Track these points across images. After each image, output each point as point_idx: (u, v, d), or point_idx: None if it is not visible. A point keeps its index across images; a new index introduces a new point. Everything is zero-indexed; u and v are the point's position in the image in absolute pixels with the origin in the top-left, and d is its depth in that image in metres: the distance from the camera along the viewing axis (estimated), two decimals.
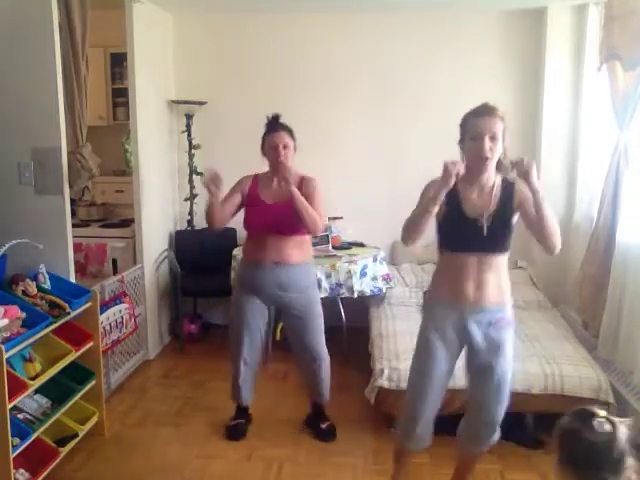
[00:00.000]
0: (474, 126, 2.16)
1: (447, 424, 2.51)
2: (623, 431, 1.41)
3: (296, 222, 2.84)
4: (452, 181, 2.10)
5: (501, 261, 2.26)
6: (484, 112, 2.17)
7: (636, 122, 3.39)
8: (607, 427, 1.41)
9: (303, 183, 2.94)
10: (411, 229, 2.23)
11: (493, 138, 2.14)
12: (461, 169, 2.11)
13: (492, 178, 2.24)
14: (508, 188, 2.24)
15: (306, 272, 3.02)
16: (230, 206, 2.96)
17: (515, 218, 2.25)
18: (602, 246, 3.52)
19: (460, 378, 2.48)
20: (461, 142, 2.24)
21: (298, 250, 2.94)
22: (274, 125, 2.92)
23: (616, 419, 1.43)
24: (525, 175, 2.08)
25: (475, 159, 2.17)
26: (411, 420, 2.38)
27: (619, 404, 3.03)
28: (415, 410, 2.36)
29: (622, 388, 3.21)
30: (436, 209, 2.15)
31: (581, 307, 3.79)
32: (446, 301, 2.29)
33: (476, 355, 2.30)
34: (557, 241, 2.17)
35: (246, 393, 3.17)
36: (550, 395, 2.97)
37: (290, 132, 2.92)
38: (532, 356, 3.15)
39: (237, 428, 3.18)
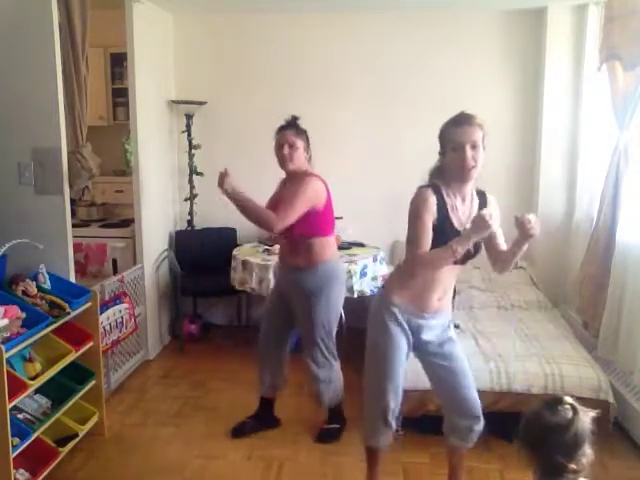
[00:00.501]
0: (454, 136, 2.15)
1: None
2: (584, 420, 1.48)
3: (295, 225, 2.82)
4: (487, 232, 2.07)
5: (462, 269, 2.34)
6: (462, 121, 2.16)
7: (636, 122, 3.39)
8: (568, 413, 1.48)
9: (296, 179, 2.89)
10: (431, 267, 2.21)
11: (474, 146, 2.13)
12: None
13: (472, 188, 2.26)
14: (482, 198, 2.29)
15: (312, 275, 2.94)
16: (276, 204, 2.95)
17: None
18: (602, 246, 3.52)
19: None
20: (442, 154, 2.22)
21: (305, 254, 2.90)
22: (285, 125, 2.93)
23: (581, 408, 1.50)
24: (529, 236, 2.07)
25: (458, 169, 2.16)
26: (381, 412, 2.41)
27: (619, 404, 3.03)
28: (385, 400, 2.38)
29: (622, 388, 3.21)
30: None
31: (581, 307, 3.79)
32: (407, 305, 2.30)
33: (433, 352, 2.38)
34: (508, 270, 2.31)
35: (266, 384, 3.18)
36: (550, 395, 2.96)
37: (299, 132, 2.91)
38: (532, 356, 3.15)
39: (241, 426, 3.18)
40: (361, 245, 4.37)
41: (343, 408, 3.20)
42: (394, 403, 2.40)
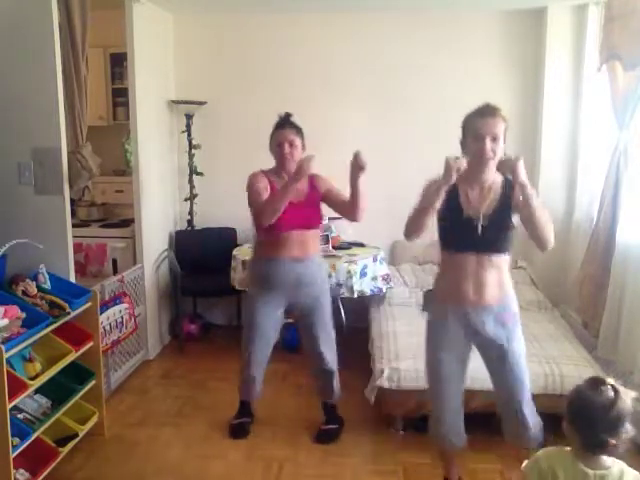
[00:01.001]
0: (476, 127, 2.19)
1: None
2: (625, 399, 1.59)
3: (314, 215, 2.92)
4: (454, 177, 2.12)
5: (501, 261, 2.28)
6: (486, 113, 2.20)
7: (636, 122, 3.39)
8: (610, 393, 1.59)
9: (318, 182, 2.97)
10: (414, 224, 2.26)
11: (495, 139, 2.18)
12: (462, 165, 2.13)
13: (492, 178, 2.27)
14: (508, 187, 2.26)
15: (319, 265, 3.05)
16: (268, 198, 2.89)
17: (515, 217, 2.26)
18: (602, 246, 3.52)
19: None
20: (463, 142, 2.26)
21: (314, 244, 2.98)
22: (282, 123, 2.92)
23: (622, 389, 1.61)
24: (511, 170, 2.12)
25: (476, 159, 2.20)
26: (436, 421, 2.43)
27: None
28: (437, 412, 2.41)
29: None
30: (438, 204, 2.18)
31: (581, 307, 3.79)
32: (448, 301, 2.32)
33: (486, 351, 2.34)
34: (549, 236, 2.20)
35: (254, 391, 3.16)
36: (550, 395, 2.96)
37: (297, 130, 2.91)
38: (532, 356, 3.13)
39: (241, 427, 3.18)
40: (361, 245, 4.37)
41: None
42: (445, 415, 2.39)
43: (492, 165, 2.22)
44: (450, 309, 2.31)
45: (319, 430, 3.15)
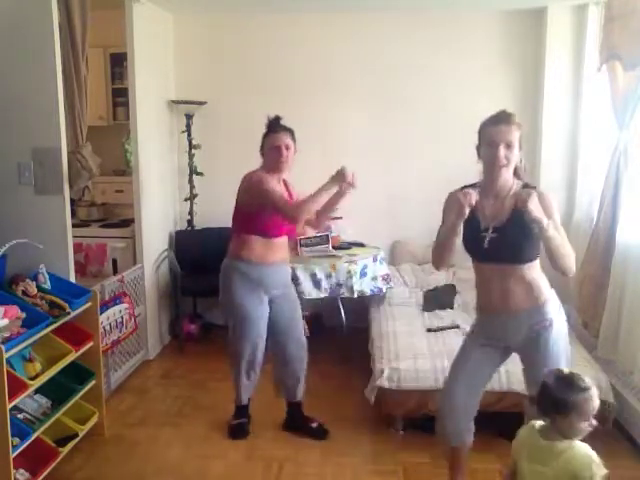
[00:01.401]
0: (490, 134, 2.19)
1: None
2: (588, 397, 1.73)
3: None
4: (466, 211, 2.14)
5: (524, 269, 2.26)
6: (501, 120, 2.20)
7: (636, 122, 3.39)
8: (581, 384, 1.74)
9: (290, 187, 3.07)
10: (439, 258, 2.36)
11: (509, 146, 2.17)
12: (473, 199, 2.13)
13: (508, 185, 2.25)
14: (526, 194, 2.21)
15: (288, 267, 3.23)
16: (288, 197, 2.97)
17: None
18: (602, 246, 3.52)
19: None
20: (478, 148, 2.27)
21: (293, 249, 3.15)
22: (275, 126, 2.92)
23: (593, 390, 1.75)
24: (522, 206, 2.07)
25: (490, 166, 2.22)
26: (441, 417, 2.44)
27: (619, 404, 3.04)
28: (444, 407, 2.42)
29: (622, 388, 3.21)
30: (457, 236, 2.22)
31: (581, 307, 3.79)
32: (483, 309, 2.38)
33: (524, 357, 2.35)
34: (569, 266, 2.21)
35: (249, 393, 3.19)
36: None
37: (291, 133, 2.93)
38: None
39: (241, 427, 3.18)
40: (361, 245, 4.37)
41: None
42: (451, 411, 2.40)
43: (506, 172, 2.22)
44: (486, 316, 2.37)
45: (310, 429, 3.15)
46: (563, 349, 2.30)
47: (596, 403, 1.76)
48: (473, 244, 2.28)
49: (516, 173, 2.27)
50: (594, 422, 1.75)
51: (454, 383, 2.39)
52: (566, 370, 1.82)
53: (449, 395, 2.40)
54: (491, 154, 2.18)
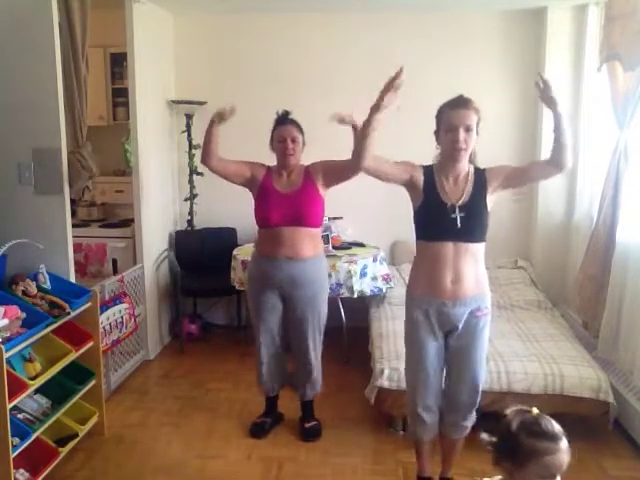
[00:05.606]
0: (449, 118, 2.24)
1: None
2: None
3: (310, 213, 2.89)
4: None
5: (477, 250, 2.31)
6: (459, 104, 2.26)
7: (636, 122, 3.39)
8: (554, 427, 1.49)
9: (312, 170, 2.98)
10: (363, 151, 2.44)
11: (467, 129, 2.21)
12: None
13: (466, 168, 2.31)
14: (479, 176, 2.31)
15: (318, 266, 3.00)
16: (234, 164, 2.96)
17: (490, 205, 2.30)
18: (602, 246, 3.52)
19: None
20: (437, 132, 2.32)
21: (310, 243, 2.93)
22: (282, 119, 2.95)
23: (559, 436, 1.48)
24: (549, 101, 2.22)
25: (450, 150, 2.25)
26: (415, 410, 2.45)
27: (619, 404, 3.03)
28: (416, 400, 2.43)
29: (622, 388, 3.20)
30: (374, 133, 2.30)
31: (581, 307, 3.79)
32: (425, 293, 2.34)
33: (454, 341, 2.37)
34: (570, 158, 2.32)
35: (271, 382, 3.17)
36: (550, 395, 2.97)
37: (298, 127, 2.95)
38: (532, 356, 3.15)
39: (260, 426, 3.17)
40: (361, 245, 4.37)
41: None
42: (424, 397, 2.42)
43: (465, 155, 2.26)
44: (428, 301, 2.33)
45: (302, 428, 3.15)
46: (487, 345, 2.43)
47: (564, 460, 1.44)
48: (439, 222, 2.28)
49: (471, 159, 2.32)
50: None
51: (424, 375, 2.40)
52: (535, 411, 1.52)
53: (420, 388, 2.42)
54: (451, 138, 2.22)
